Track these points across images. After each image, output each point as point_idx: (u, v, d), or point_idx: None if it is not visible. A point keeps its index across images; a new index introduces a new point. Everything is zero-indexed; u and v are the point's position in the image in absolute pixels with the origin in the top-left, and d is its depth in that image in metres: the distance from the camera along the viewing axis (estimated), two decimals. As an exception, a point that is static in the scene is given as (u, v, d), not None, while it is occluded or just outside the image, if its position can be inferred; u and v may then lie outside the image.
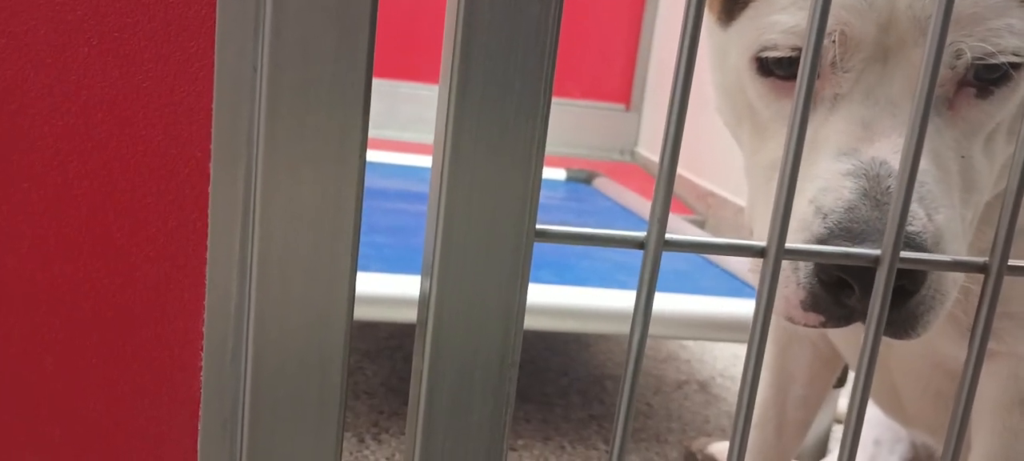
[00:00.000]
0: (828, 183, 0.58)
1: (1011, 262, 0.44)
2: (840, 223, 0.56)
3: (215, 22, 0.36)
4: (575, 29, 2.75)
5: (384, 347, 1.51)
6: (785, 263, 0.58)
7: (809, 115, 0.48)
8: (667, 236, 0.39)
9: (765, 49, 0.62)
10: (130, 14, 0.39)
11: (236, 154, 0.37)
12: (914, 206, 0.56)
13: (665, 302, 1.17)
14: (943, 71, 0.59)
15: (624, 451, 0.42)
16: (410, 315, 1.10)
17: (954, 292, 0.60)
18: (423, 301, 0.39)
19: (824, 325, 0.59)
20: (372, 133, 0.37)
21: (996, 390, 0.74)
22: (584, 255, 1.45)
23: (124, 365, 0.43)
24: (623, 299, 1.15)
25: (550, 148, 0.38)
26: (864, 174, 0.57)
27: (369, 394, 1.33)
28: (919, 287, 0.57)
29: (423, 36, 2.62)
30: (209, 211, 0.38)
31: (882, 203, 0.56)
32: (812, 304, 0.58)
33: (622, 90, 2.85)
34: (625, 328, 1.10)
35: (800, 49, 0.61)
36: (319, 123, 0.36)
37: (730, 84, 0.68)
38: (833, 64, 0.60)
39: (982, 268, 0.44)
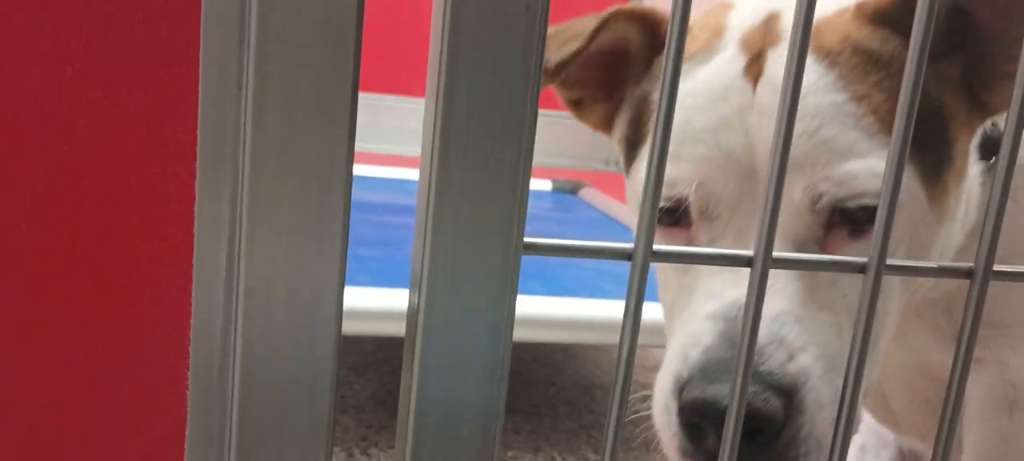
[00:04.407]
0: (693, 327, 0.61)
1: (996, 267, 0.44)
2: (697, 364, 0.58)
3: (199, 39, 0.36)
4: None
5: (372, 361, 1.50)
6: (661, 408, 0.62)
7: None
8: (654, 247, 0.39)
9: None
10: (113, 33, 0.39)
11: (221, 171, 0.37)
12: (771, 347, 0.57)
13: (653, 312, 1.17)
14: (806, 215, 0.60)
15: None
16: (397, 329, 1.10)
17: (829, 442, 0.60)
18: (411, 315, 0.39)
19: None
20: (356, 146, 0.37)
21: (984, 395, 0.75)
22: (571, 264, 1.45)
23: (110, 383, 0.43)
24: (610, 309, 1.15)
25: (536, 159, 0.38)
26: (722, 317, 0.59)
27: (357, 408, 1.32)
28: (780, 429, 0.56)
29: (407, 50, 2.62)
30: (195, 227, 0.38)
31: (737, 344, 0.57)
32: (685, 450, 0.60)
33: (607, 100, 2.85)
34: (612, 338, 1.10)
35: (674, 199, 0.63)
36: (305, 139, 0.36)
37: None
38: (701, 213, 0.62)
39: (967, 274, 0.44)
